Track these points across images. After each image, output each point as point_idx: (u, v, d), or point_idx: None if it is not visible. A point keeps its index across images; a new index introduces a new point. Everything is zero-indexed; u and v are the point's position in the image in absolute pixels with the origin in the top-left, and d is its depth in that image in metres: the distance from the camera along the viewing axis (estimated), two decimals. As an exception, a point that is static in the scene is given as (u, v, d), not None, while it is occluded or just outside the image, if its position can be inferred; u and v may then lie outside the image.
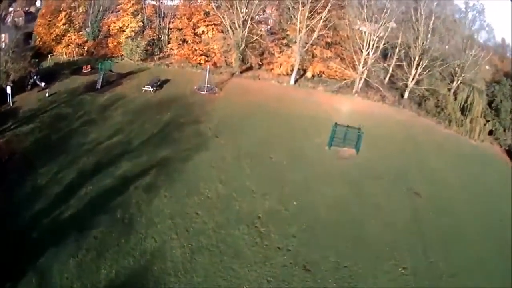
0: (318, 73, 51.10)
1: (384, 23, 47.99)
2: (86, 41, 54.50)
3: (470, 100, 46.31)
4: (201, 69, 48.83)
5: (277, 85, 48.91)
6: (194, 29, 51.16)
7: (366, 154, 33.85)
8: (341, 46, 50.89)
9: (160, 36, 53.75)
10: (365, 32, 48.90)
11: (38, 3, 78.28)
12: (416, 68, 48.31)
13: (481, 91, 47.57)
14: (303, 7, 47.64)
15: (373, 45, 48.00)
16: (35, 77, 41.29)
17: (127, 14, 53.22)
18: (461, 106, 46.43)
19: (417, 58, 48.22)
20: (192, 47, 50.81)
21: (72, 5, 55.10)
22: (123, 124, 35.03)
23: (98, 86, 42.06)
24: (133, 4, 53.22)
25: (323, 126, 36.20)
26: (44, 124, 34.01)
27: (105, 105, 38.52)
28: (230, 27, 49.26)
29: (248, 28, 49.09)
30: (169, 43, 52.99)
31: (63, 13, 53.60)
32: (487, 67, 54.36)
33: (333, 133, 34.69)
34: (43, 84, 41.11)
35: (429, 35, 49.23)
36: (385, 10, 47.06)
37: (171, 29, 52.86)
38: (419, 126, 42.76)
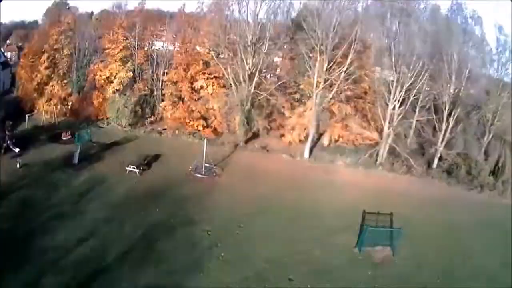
0: (336, 138, 43.08)
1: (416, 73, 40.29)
2: (70, 94, 48.71)
3: (502, 161, 41.43)
4: (199, 138, 41.50)
5: (289, 161, 41.22)
6: (192, 83, 43.49)
7: (402, 253, 26.20)
8: (362, 99, 43.19)
9: (152, 91, 46.15)
10: (392, 82, 41.30)
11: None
12: (447, 121, 41.31)
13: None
14: (321, 56, 40.11)
15: (400, 96, 40.78)
16: (8, 142, 37.07)
17: (115, 61, 46.31)
18: (493, 169, 41.38)
19: (447, 108, 41.21)
20: (188, 107, 43.02)
21: (55, 47, 49.80)
22: (99, 222, 26.83)
23: (75, 161, 35.74)
24: (121, 49, 46.28)
25: (349, 217, 29.74)
26: (8, 211, 27.16)
27: (81, 192, 30.59)
28: (234, 81, 41.62)
29: (255, 82, 41.39)
30: (162, 100, 45.22)
31: (46, 55, 48.51)
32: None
33: (364, 232, 26.87)
34: (17, 150, 36.64)
35: (463, 82, 41.97)
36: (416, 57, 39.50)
37: (165, 81, 45.22)
38: (454, 200, 36.43)
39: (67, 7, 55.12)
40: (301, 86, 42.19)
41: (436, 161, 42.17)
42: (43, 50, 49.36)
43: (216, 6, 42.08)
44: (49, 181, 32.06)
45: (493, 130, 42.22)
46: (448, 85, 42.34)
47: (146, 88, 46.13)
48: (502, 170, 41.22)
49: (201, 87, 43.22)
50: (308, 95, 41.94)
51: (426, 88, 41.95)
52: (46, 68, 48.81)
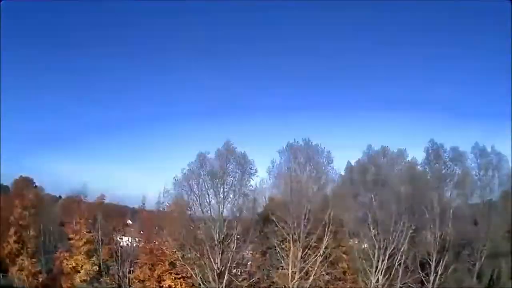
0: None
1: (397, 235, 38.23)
2: (40, 272, 48.05)
3: (496, 273, 41.38)
4: None
5: None
6: (159, 282, 40.62)
7: None
8: (342, 280, 40.45)
9: (120, 286, 43.41)
10: (372, 254, 38.60)
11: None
12: (436, 271, 39.31)
13: (507, 253, 40.62)
14: (294, 245, 37.44)
15: (383, 266, 38.42)
16: None
17: (80, 253, 44.82)
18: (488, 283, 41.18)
19: (434, 258, 39.33)
20: (157, 305, 40.04)
21: (20, 222, 48.61)
22: None
23: None
24: (85, 242, 44.64)
25: None
26: None
27: None
28: (203, 281, 38.70)
29: (226, 281, 38.42)
30: (131, 297, 42.42)
31: (13, 229, 47.82)
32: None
33: None
34: None
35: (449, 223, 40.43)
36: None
37: (132, 279, 42.52)
38: None
39: (34, 185, 53.94)
40: (275, 279, 39.07)
41: None
42: (9, 222, 48.54)
43: (176, 206, 39.80)
44: None
45: (484, 254, 40.73)
46: (433, 235, 40.46)
47: (114, 283, 43.78)
48: (497, 283, 40.91)
49: (169, 286, 40.29)
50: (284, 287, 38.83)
51: (410, 247, 39.75)
52: (15, 242, 48.02)
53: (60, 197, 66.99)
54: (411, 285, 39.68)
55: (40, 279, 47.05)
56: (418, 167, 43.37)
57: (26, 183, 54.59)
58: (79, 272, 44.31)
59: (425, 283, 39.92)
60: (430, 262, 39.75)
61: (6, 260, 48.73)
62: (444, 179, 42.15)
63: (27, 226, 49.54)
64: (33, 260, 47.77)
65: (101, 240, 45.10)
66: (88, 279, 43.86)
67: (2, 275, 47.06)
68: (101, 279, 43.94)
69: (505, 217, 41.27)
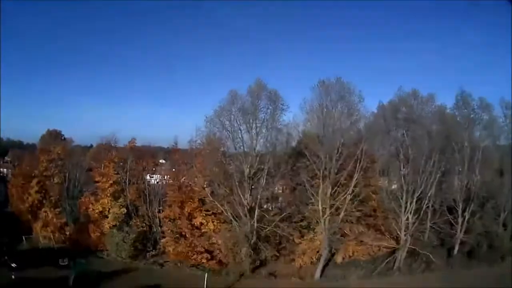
0: (351, 254, 39.96)
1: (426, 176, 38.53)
2: (66, 224, 47.80)
3: None
4: (202, 270, 38.44)
5: (298, 284, 37.75)
6: (190, 219, 40.70)
7: None
8: (372, 216, 40.47)
9: (151, 227, 43.73)
10: (400, 196, 38.59)
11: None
12: (463, 216, 40.45)
13: None
14: (324, 182, 37.41)
15: (412, 208, 38.67)
16: (6, 257, 36.99)
17: (107, 195, 44.44)
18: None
19: (460, 206, 40.38)
20: (191, 242, 39.98)
21: (45, 174, 49.55)
22: None
23: (70, 283, 34.21)
24: (112, 184, 44.28)
25: None
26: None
27: None
28: (234, 216, 38.93)
29: (257, 216, 38.64)
30: (163, 237, 42.51)
31: (36, 180, 48.38)
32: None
33: None
34: (13, 264, 35.99)
35: (477, 175, 41.38)
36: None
37: (162, 218, 42.70)
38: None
39: (63, 138, 54.21)
40: (307, 214, 39.26)
41: (457, 247, 40.87)
42: (33, 175, 49.06)
43: (209, 143, 39.78)
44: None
45: (508, 208, 41.20)
46: (460, 181, 41.43)
47: (144, 224, 43.75)
48: None
49: (201, 223, 40.42)
50: (316, 221, 39.06)
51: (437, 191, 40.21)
52: (37, 192, 48.31)
53: (91, 146, 67.16)
54: (441, 225, 40.27)
55: (68, 233, 46.80)
56: (448, 111, 43.52)
57: (54, 136, 55.06)
58: (106, 217, 43.83)
59: (454, 224, 40.60)
60: (457, 208, 40.43)
61: (28, 216, 48.71)
62: (473, 122, 42.80)
63: (51, 175, 49.68)
64: (57, 210, 47.73)
65: (128, 180, 44.65)
66: (117, 223, 43.14)
67: (25, 238, 46.04)
68: (131, 222, 43.41)
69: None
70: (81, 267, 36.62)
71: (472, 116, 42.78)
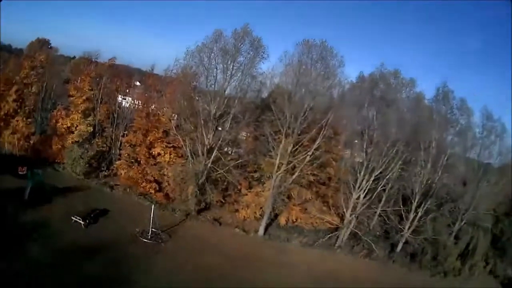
0: (294, 220, 40.71)
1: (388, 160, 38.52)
2: (33, 134, 47.71)
3: (473, 244, 40.83)
4: (150, 201, 39.05)
5: (242, 236, 38.71)
6: (150, 148, 41.16)
7: None
8: (326, 185, 40.84)
9: (110, 149, 44.06)
10: (359, 169, 38.77)
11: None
12: (416, 212, 40.09)
13: (487, 229, 41.69)
14: (286, 139, 37.75)
15: (367, 186, 38.82)
16: None
17: (78, 112, 44.66)
18: (462, 252, 40.65)
19: (416, 199, 39.96)
20: (143, 170, 40.71)
21: (25, 81, 48.75)
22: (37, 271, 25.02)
23: (26, 196, 34.65)
24: (84, 100, 44.46)
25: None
26: None
27: (26, 231, 29.14)
28: (192, 153, 39.28)
29: (214, 157, 39.00)
30: (119, 159, 42.97)
31: (15, 87, 47.38)
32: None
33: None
34: None
35: (439, 171, 40.56)
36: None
37: (124, 143, 43.03)
38: None
39: (49, 46, 53.54)
40: (262, 166, 39.65)
41: (400, 245, 40.64)
42: (14, 82, 48.33)
43: (184, 75, 39.75)
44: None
45: (466, 218, 40.94)
46: (421, 175, 40.62)
47: (105, 145, 44.21)
48: (472, 253, 40.36)
49: (158, 154, 40.99)
50: (268, 176, 39.46)
51: (397, 177, 40.00)
52: (14, 101, 47.68)
53: (74, 57, 65.80)
54: (390, 215, 40.43)
55: (31, 141, 46.68)
56: (425, 101, 43.16)
57: (41, 44, 54.43)
58: (72, 133, 44.30)
59: (404, 219, 40.42)
60: (412, 201, 40.04)
61: (1, 123, 47.57)
62: (448, 123, 41.58)
63: (30, 84, 48.96)
64: (29, 120, 47.49)
65: (101, 99, 44.65)
66: (80, 140, 43.64)
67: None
68: (93, 141, 43.84)
69: (495, 191, 41.17)
70: (37, 178, 36.79)
71: (449, 115, 41.67)
